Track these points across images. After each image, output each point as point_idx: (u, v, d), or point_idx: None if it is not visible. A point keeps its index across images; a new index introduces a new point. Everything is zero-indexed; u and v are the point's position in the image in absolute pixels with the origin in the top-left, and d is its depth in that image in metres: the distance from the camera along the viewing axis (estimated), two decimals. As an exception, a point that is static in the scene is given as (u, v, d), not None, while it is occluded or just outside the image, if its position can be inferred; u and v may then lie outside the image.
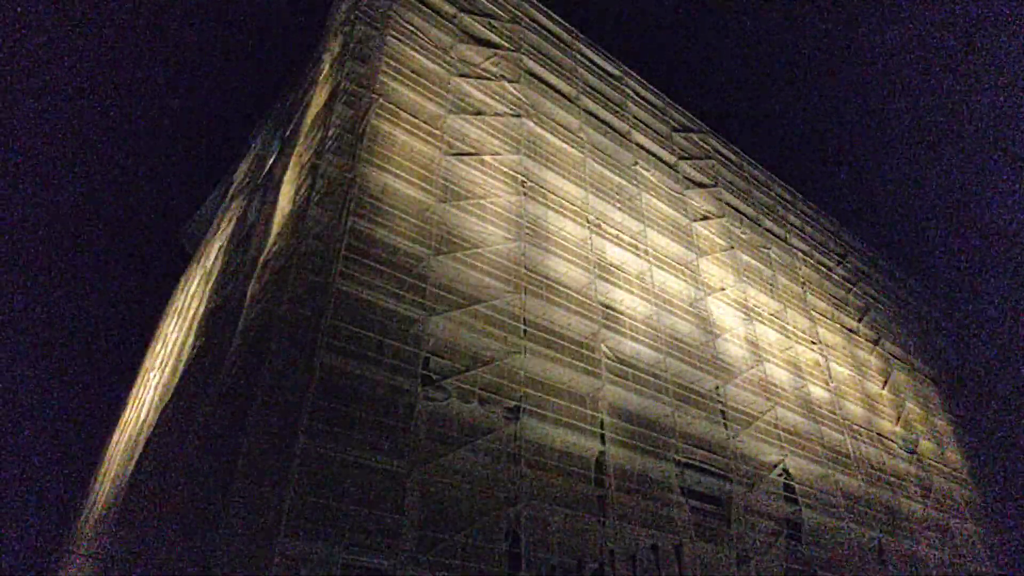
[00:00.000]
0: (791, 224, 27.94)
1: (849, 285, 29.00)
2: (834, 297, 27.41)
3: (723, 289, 21.00)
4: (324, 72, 17.82)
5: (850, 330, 26.85)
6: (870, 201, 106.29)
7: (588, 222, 18.05)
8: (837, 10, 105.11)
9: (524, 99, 18.66)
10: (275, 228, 15.22)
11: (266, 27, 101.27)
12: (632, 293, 17.83)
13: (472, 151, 16.41)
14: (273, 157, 20.20)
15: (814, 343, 23.60)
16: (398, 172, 14.37)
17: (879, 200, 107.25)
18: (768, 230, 25.95)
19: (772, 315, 22.58)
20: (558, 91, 20.48)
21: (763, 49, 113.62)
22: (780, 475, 18.28)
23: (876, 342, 27.82)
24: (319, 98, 16.98)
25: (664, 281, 19.15)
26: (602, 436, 14.26)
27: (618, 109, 22.34)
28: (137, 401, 26.86)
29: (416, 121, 15.59)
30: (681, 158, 23.55)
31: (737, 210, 24.82)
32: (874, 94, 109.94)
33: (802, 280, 25.71)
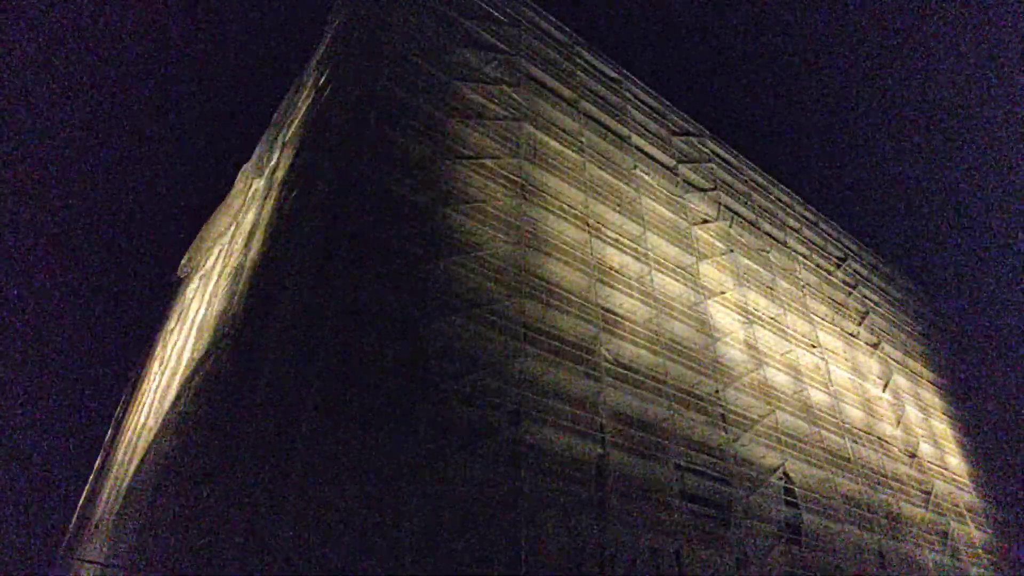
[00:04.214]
0: (790, 227, 27.94)
1: (849, 288, 29.00)
2: (834, 300, 27.41)
3: (723, 293, 21.00)
4: (323, 76, 17.84)
5: (850, 334, 26.85)
6: (870, 205, 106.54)
7: (588, 225, 18.05)
8: (837, 12, 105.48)
9: (523, 103, 18.68)
10: (274, 231, 15.22)
11: (264, 32, 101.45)
12: (632, 297, 17.82)
13: (471, 154, 16.42)
14: (273, 161, 20.22)
15: (814, 346, 23.60)
16: (397, 175, 14.37)
17: (879, 204, 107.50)
18: (767, 233, 25.95)
19: (772, 319, 22.57)
20: (557, 95, 20.49)
21: (763, 52, 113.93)
22: (780, 479, 18.25)
23: (876, 346, 27.81)
24: (318, 102, 17.00)
25: (664, 284, 19.14)
26: (602, 440, 14.24)
27: (617, 113, 22.34)
28: (137, 404, 26.81)
29: (415, 124, 15.59)
30: (680, 161, 23.56)
31: (736, 213, 24.82)
32: (874, 96, 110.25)
33: (802, 283, 25.69)
